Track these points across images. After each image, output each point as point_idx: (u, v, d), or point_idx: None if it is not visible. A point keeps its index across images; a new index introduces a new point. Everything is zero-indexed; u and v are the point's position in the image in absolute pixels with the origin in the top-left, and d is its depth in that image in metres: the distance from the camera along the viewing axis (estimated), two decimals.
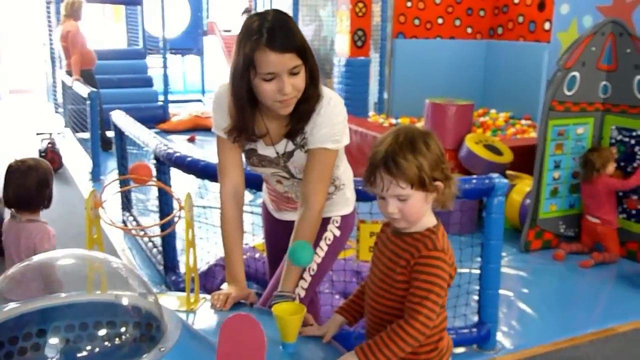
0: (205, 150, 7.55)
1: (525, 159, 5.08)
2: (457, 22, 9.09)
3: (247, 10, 11.43)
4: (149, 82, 9.05)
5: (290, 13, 8.51)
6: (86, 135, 7.38)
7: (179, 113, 9.03)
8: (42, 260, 1.41)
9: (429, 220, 1.62)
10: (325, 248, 2.14)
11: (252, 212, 3.32)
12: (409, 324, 1.51)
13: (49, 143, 6.51)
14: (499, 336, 3.28)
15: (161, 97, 8.88)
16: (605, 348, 3.25)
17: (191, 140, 8.22)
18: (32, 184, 2.68)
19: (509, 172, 4.95)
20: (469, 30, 9.19)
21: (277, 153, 2.02)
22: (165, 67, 8.74)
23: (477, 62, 9.27)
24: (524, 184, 4.75)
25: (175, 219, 1.77)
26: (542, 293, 3.93)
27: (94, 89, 6.32)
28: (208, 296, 1.89)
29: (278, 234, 2.28)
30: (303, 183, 1.98)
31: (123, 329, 1.32)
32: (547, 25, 8.37)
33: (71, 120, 7.86)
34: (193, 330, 1.45)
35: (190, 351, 1.35)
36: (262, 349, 1.08)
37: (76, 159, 6.98)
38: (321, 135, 1.93)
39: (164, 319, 1.36)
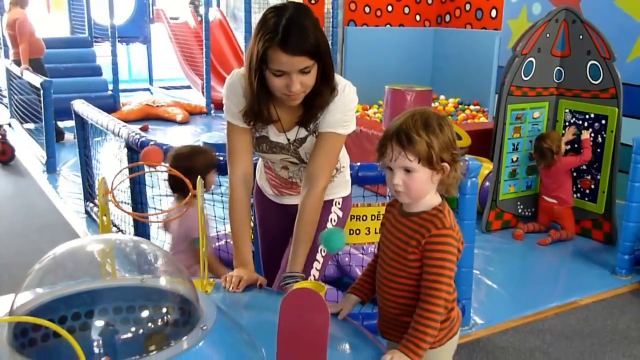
0: (158, 140, 7.45)
1: (479, 142, 5.27)
2: (406, 10, 9.25)
3: (193, 1, 11.30)
4: (97, 71, 8.85)
5: (242, 1, 8.49)
6: (32, 126, 7.20)
7: (129, 102, 8.88)
8: (77, 246, 1.43)
9: (435, 200, 1.70)
10: None
11: None
12: (431, 303, 1.59)
13: None
14: (471, 312, 3.42)
15: (111, 87, 8.71)
16: (570, 319, 3.44)
17: (144, 129, 8.09)
18: (171, 171, 2.69)
19: (467, 155, 5.10)
20: (418, 17, 9.37)
21: (289, 140, 2.07)
22: (114, 55, 8.56)
23: (426, 49, 9.47)
24: (482, 167, 4.91)
25: (185, 207, 1.80)
26: (505, 270, 4.11)
27: (47, 78, 6.17)
28: (216, 280, 1.93)
29: (276, 217, 2.33)
30: (309, 164, 2.03)
31: (164, 310, 1.36)
32: (493, 13, 8.62)
33: (18, 111, 7.64)
34: (225, 311, 1.49)
35: (228, 330, 1.39)
36: (326, 321, 1.13)
37: (27, 150, 6.80)
38: (334, 120, 1.99)
39: (199, 301, 1.40)
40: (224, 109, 2.09)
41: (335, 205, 2.26)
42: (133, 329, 1.32)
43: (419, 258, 1.65)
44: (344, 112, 2.00)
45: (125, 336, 1.32)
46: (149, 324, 1.34)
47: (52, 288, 1.41)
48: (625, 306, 3.61)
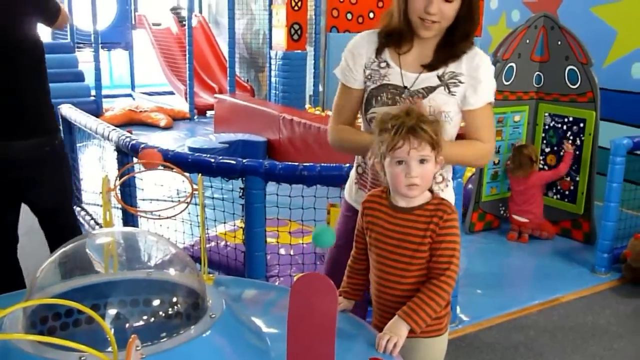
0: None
1: None
2: None
3: (175, 9, 11.34)
4: (80, 77, 8.86)
5: (225, 7, 8.56)
6: None
7: (112, 108, 8.90)
8: (85, 242, 1.48)
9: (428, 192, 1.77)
10: None
11: (222, 199, 3.40)
12: (444, 281, 1.67)
13: None
14: (457, 309, 3.51)
15: (93, 92, 8.73)
16: (553, 315, 3.55)
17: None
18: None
19: None
20: None
21: (408, 87, 1.97)
22: (97, 61, 8.60)
23: None
24: (466, 169, 5.02)
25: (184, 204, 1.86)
26: (489, 270, 4.21)
27: None
28: (216, 275, 2.00)
29: (351, 224, 2.03)
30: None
31: (175, 299, 1.42)
32: None
33: None
34: (232, 301, 1.56)
35: (236, 319, 1.46)
36: (334, 304, 1.19)
37: None
38: (487, 89, 1.97)
39: (207, 293, 1.47)
40: (339, 70, 2.10)
41: None
42: (144, 317, 1.38)
43: (430, 247, 1.71)
44: (490, 80, 1.98)
45: (136, 324, 1.38)
46: (160, 313, 1.40)
47: (63, 282, 1.46)
48: (605, 302, 3.72)
